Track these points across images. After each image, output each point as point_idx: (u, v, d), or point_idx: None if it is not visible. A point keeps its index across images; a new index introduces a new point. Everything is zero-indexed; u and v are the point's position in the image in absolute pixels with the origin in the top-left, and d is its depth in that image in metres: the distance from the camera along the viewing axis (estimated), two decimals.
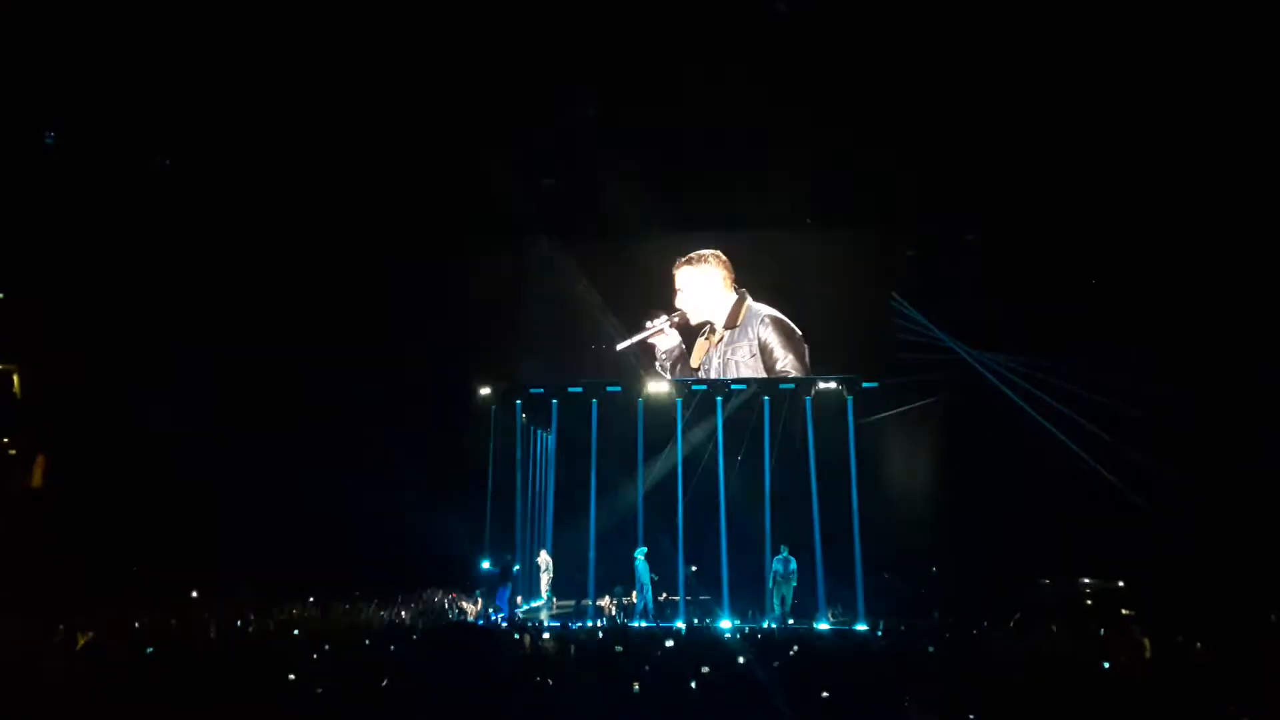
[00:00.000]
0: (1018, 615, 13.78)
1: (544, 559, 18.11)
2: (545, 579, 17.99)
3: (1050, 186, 16.35)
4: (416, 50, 14.56)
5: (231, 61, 14.57)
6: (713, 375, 18.11)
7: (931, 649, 10.07)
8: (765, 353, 17.90)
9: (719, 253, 18.26)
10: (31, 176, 15.20)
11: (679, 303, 18.27)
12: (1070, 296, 17.26)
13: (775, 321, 17.92)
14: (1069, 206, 16.52)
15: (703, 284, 18.28)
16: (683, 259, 18.35)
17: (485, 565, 17.92)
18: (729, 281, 18.22)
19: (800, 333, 17.83)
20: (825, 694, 7.38)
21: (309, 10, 13.86)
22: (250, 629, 12.57)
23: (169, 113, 15.38)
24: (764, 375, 17.95)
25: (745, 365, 17.95)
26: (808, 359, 17.76)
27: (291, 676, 8.20)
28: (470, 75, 15.06)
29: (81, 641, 10.15)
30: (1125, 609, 14.67)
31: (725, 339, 18.12)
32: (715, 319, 18.24)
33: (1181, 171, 15.41)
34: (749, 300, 18.11)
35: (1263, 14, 13.15)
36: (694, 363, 18.18)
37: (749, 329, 18.04)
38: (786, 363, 17.76)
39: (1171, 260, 16.17)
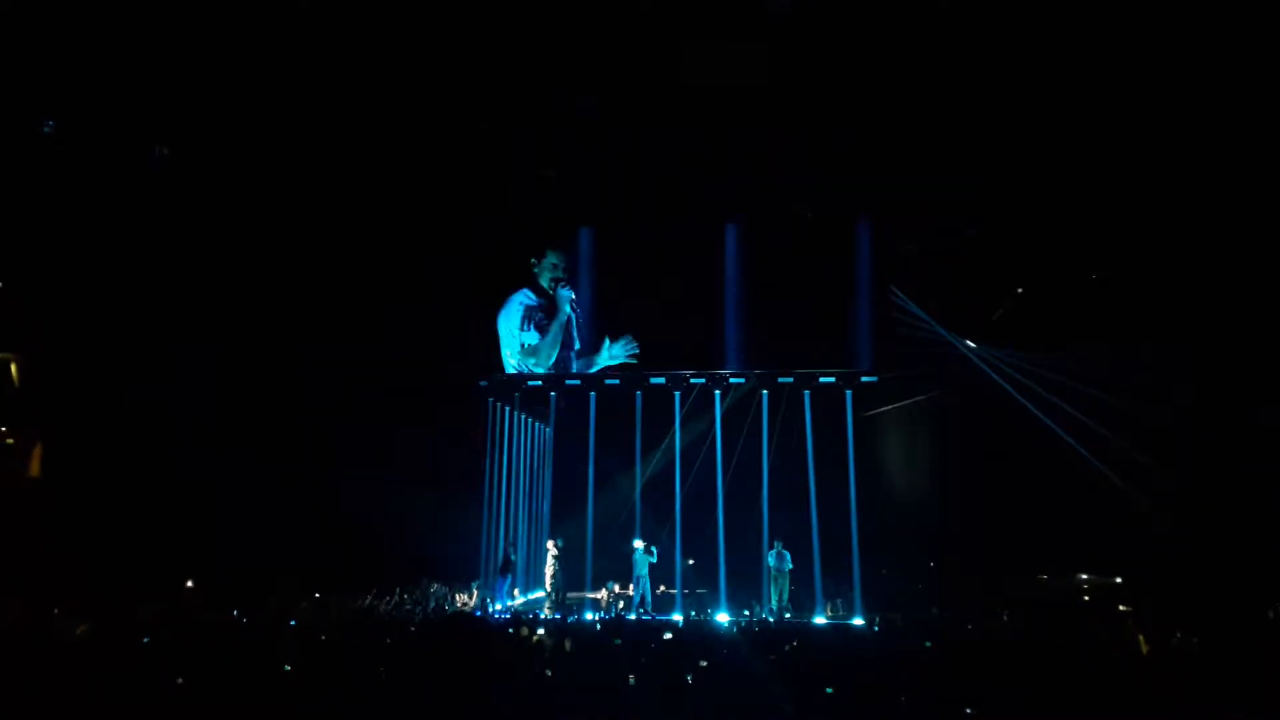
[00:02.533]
0: (1006, 610, 13.80)
1: (554, 550, 18.12)
2: (550, 570, 17.98)
3: (1051, 181, 16.33)
4: (416, 47, 14.51)
5: (232, 60, 14.52)
6: None
7: (929, 644, 10.05)
8: None
9: None
10: (32, 166, 15.15)
11: None
12: (1071, 291, 17.26)
13: None
14: (1069, 202, 16.50)
15: None
16: None
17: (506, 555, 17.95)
18: None
19: None
20: (830, 690, 7.37)
21: (309, 8, 13.79)
22: (248, 619, 12.57)
23: (169, 109, 15.34)
24: None
25: None
26: None
27: (288, 668, 8.21)
28: (466, 69, 15.00)
29: (80, 629, 10.15)
30: (1123, 605, 14.69)
31: None
32: None
33: (1182, 168, 15.39)
34: None
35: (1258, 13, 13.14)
36: None
37: None
38: None
39: (1172, 256, 16.16)
